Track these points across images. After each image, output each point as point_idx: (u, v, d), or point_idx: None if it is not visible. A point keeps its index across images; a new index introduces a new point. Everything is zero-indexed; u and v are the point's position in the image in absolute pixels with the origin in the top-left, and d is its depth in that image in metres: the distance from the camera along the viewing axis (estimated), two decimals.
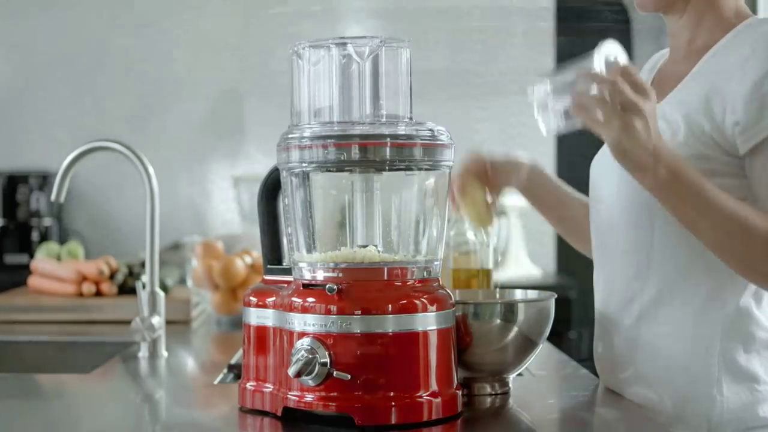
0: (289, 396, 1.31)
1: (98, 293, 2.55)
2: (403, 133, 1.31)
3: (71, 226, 4.10)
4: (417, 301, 1.30)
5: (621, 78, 1.30)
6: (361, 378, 1.27)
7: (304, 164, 1.33)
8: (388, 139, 1.30)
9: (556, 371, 1.82)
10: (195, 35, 4.12)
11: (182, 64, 4.12)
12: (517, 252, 3.85)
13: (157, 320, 1.90)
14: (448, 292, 1.36)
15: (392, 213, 1.37)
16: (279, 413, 1.33)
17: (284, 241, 1.43)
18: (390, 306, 1.28)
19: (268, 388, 1.36)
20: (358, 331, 1.27)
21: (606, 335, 1.55)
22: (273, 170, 1.42)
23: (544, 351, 1.73)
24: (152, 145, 3.72)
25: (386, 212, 1.37)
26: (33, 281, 2.68)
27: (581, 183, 1.67)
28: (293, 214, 1.36)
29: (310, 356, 1.27)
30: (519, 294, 1.60)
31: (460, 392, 1.35)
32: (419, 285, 1.32)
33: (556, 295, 1.51)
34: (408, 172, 1.33)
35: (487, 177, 1.68)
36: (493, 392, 1.49)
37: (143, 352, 1.90)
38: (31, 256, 3.44)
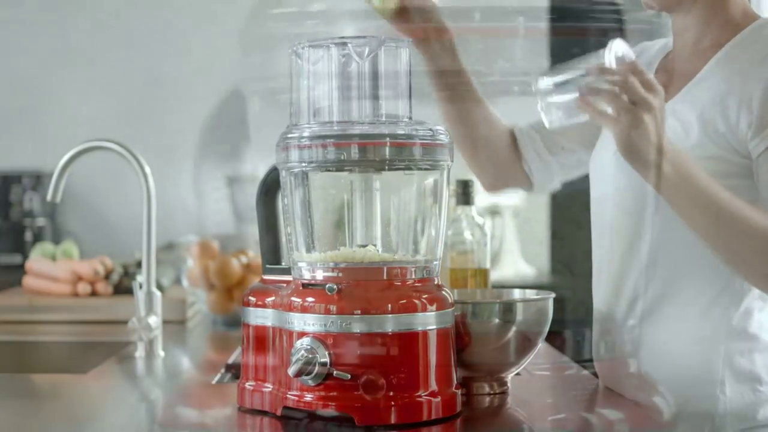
0: (288, 396, 1.31)
1: (93, 293, 2.54)
2: (402, 132, 1.31)
3: (65, 226, 4.09)
4: (417, 301, 1.30)
5: (631, 74, 1.31)
6: (360, 378, 1.26)
7: (303, 164, 1.32)
8: (388, 139, 1.30)
9: (555, 371, 1.81)
10: (194, 35, 4.12)
11: (178, 64, 4.11)
12: (510, 251, 3.85)
13: (154, 320, 1.90)
14: (447, 292, 1.35)
15: (391, 213, 1.37)
16: (278, 413, 1.33)
17: (283, 240, 1.43)
18: (390, 306, 1.28)
19: (268, 387, 1.36)
20: (358, 330, 1.27)
21: (607, 335, 1.55)
22: (271, 170, 1.41)
23: (541, 350, 1.73)
24: (147, 145, 3.70)
25: (385, 212, 1.37)
26: (28, 281, 2.67)
27: (581, 183, 1.67)
28: (292, 214, 1.36)
29: (310, 356, 1.27)
30: (517, 293, 1.60)
31: (459, 392, 1.35)
32: (419, 285, 1.32)
33: (554, 295, 1.51)
34: (407, 172, 1.33)
35: None
36: (492, 392, 1.48)
37: (140, 352, 1.89)
38: (25, 256, 3.44)
